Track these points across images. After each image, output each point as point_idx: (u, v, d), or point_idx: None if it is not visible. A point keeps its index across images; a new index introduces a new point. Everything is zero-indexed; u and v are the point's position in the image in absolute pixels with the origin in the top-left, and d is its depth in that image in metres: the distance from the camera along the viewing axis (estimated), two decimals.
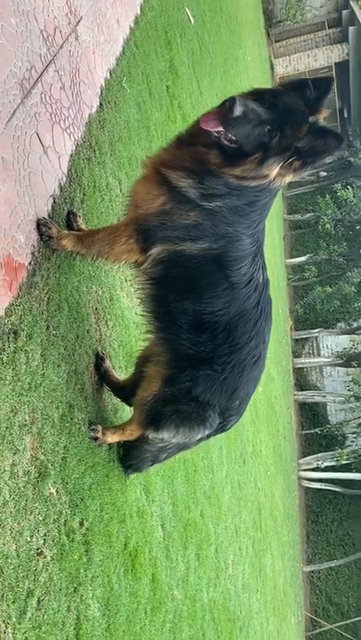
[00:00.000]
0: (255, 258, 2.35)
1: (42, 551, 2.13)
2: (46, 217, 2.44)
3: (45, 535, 2.17)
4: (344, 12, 23.54)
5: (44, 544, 2.15)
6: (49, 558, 2.17)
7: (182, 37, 6.25)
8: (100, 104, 3.36)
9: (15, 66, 2.32)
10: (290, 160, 2.19)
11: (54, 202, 2.57)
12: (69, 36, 2.93)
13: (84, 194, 2.94)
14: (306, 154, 2.19)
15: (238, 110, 2.01)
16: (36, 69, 2.51)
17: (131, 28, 4.24)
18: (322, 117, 2.19)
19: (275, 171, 2.19)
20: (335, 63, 23.60)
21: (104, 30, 3.56)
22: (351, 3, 23.20)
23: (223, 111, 2.05)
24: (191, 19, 6.93)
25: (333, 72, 23.97)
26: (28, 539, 2.06)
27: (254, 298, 2.36)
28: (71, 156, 2.83)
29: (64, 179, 2.71)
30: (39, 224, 2.36)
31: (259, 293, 2.37)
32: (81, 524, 2.47)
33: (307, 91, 2.16)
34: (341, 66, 23.69)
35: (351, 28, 22.27)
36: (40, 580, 2.09)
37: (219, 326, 2.36)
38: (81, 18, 3.12)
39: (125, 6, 4.18)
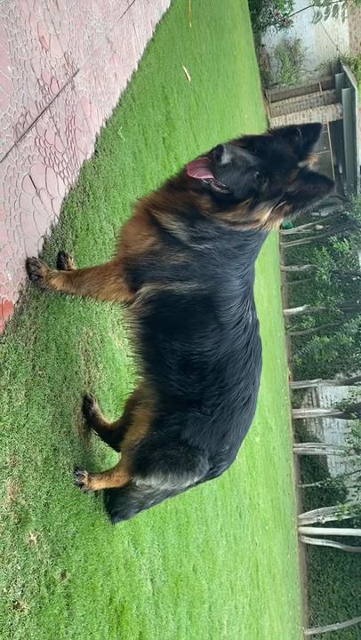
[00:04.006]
0: (245, 299, 2.34)
1: (19, 604, 2.01)
2: (36, 256, 2.44)
3: (23, 586, 2.05)
4: (337, 75, 24.59)
5: (21, 596, 2.03)
6: (26, 612, 2.04)
7: (179, 93, 6.48)
8: (96, 151, 3.44)
9: (10, 111, 2.38)
10: (280, 204, 2.21)
11: (45, 242, 2.58)
12: (66, 86, 3.02)
13: (76, 236, 2.96)
14: (296, 198, 2.22)
15: (226, 158, 2.05)
16: (31, 115, 2.57)
17: (128, 82, 4.39)
18: (311, 163, 2.23)
19: (265, 215, 2.21)
20: (330, 122, 24.45)
21: (101, 82, 3.69)
22: (344, 67, 24.30)
23: (211, 159, 2.08)
24: (188, 77, 7.22)
25: (328, 130, 24.84)
26: (5, 590, 1.95)
27: (244, 338, 2.33)
28: (64, 199, 2.87)
29: (56, 220, 2.73)
30: (28, 263, 2.35)
31: (248, 334, 2.35)
32: (63, 575, 2.34)
33: (296, 137, 2.21)
34: (336, 124, 24.54)
35: (344, 90, 23.18)
36: (16, 635, 1.96)
37: (207, 367, 2.32)
38: (78, 70, 3.23)
39: (123, 62, 4.35)
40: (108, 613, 2.74)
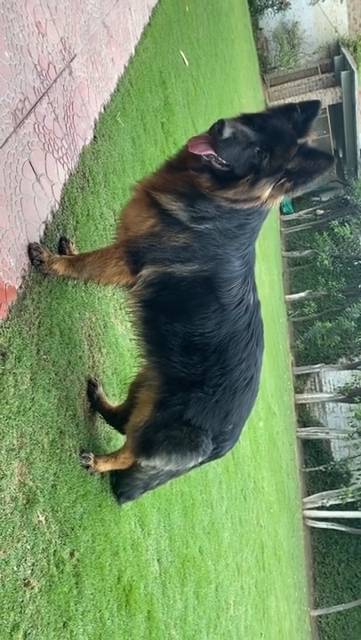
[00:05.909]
0: (246, 279, 2.35)
1: (29, 582, 2.06)
2: (38, 242, 2.46)
3: (33, 565, 2.10)
4: (336, 57, 24.30)
5: (31, 574, 2.08)
6: (37, 590, 2.09)
7: (177, 78, 6.44)
8: (94, 136, 3.44)
9: (8, 97, 2.38)
10: (281, 181, 2.22)
11: (46, 228, 2.59)
12: (63, 72, 3.02)
13: (77, 222, 2.97)
14: (297, 175, 2.22)
15: (228, 132, 2.06)
16: (29, 101, 2.57)
17: (125, 67, 4.38)
18: (311, 139, 2.24)
19: (266, 192, 2.22)
20: (329, 106, 24.24)
21: (98, 68, 3.68)
22: (343, 49, 24.03)
23: (212, 134, 2.09)
24: (186, 61, 7.17)
25: (327, 114, 24.65)
26: (15, 568, 1.99)
27: (245, 319, 2.35)
28: (64, 184, 2.88)
29: (57, 206, 2.74)
30: (30, 248, 2.37)
31: (250, 315, 2.37)
32: (71, 554, 2.39)
33: (294, 114, 2.21)
34: (335, 108, 24.34)
35: (343, 73, 22.95)
36: (27, 612, 2.01)
37: (209, 348, 2.34)
38: (75, 55, 3.23)
39: (120, 47, 4.33)
40: (117, 592, 2.79)
